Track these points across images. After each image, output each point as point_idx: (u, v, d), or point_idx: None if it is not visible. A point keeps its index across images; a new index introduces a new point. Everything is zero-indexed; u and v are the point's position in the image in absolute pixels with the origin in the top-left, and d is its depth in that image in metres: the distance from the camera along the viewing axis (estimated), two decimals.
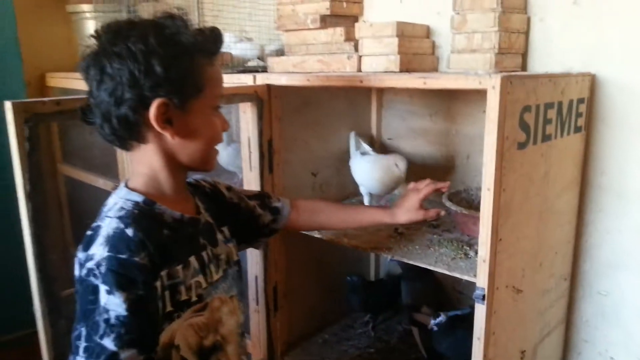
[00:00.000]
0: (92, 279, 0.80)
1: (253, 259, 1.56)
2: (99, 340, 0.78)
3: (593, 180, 1.43)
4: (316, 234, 1.44)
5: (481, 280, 1.07)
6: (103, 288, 0.79)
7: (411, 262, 1.25)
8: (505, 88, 1.00)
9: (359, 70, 1.50)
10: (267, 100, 1.43)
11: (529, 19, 1.45)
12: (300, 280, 1.67)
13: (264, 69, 1.75)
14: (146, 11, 1.96)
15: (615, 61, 1.35)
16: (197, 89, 0.88)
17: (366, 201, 1.62)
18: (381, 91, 1.83)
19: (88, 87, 0.87)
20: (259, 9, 1.92)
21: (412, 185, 1.24)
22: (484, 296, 1.07)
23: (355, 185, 1.83)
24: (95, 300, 0.79)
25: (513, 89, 1.02)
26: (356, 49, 1.53)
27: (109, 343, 0.79)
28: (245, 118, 1.45)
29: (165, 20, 0.87)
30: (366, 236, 1.41)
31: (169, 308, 0.88)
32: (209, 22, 1.93)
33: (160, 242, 0.88)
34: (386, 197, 1.67)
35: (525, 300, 1.24)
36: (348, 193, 1.81)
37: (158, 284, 0.86)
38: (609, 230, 1.43)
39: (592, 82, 1.38)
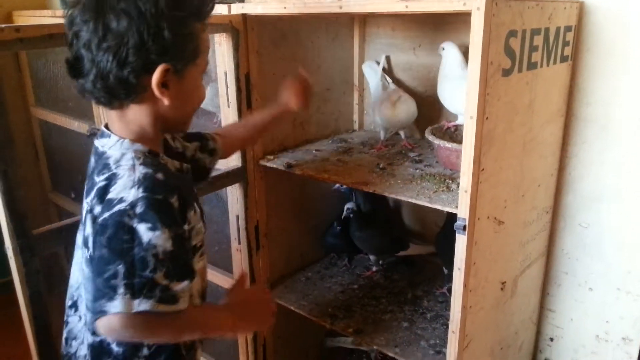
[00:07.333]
0: (125, 219, 0.79)
1: (233, 198, 1.54)
2: (149, 275, 0.78)
3: (578, 111, 1.40)
4: (296, 171, 1.41)
5: (462, 211, 1.06)
6: (143, 226, 0.79)
7: (392, 196, 1.23)
8: (490, 10, 0.95)
9: None
10: (243, 32, 1.37)
11: None
12: (281, 219, 1.66)
13: (241, 0, 1.67)
14: None
15: None
16: (195, 55, 0.88)
17: (383, 136, 1.61)
18: (364, 23, 1.76)
19: (81, 38, 0.82)
20: None
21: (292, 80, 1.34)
22: (464, 227, 1.06)
23: (336, 123, 1.80)
24: (133, 239, 0.79)
25: (498, 11, 0.97)
26: None
27: (160, 277, 0.79)
28: (221, 51, 1.39)
29: None
30: (348, 172, 1.38)
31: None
32: None
33: (179, 188, 0.88)
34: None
35: (507, 232, 1.23)
36: (329, 132, 1.78)
37: (186, 227, 0.87)
38: (592, 162, 1.42)
39: (581, 10, 1.33)
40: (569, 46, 1.31)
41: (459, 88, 1.37)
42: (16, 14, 2.32)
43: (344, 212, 1.67)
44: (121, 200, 0.80)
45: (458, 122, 1.46)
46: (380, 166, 1.41)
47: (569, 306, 1.57)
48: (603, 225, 1.44)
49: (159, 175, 0.85)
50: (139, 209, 0.79)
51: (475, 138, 1.01)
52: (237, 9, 1.36)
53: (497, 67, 1.02)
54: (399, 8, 1.07)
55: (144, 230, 0.78)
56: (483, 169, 1.06)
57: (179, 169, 0.98)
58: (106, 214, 0.80)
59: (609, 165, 1.39)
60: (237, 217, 1.54)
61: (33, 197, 2.51)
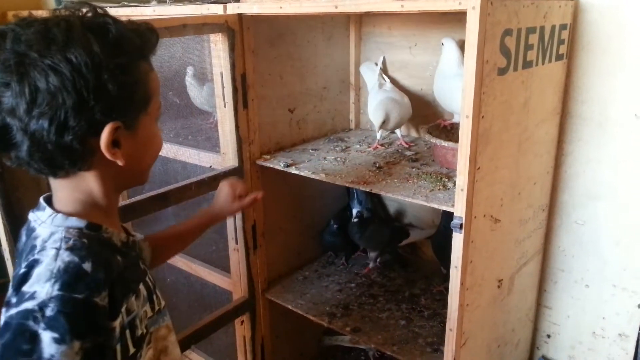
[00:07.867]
0: (29, 323, 0.64)
1: None
2: None
3: (573, 109, 1.41)
4: (293, 170, 1.41)
5: (459, 210, 1.06)
6: (48, 335, 0.63)
7: (389, 195, 1.23)
8: (485, 9, 0.95)
9: None
10: (239, 31, 1.37)
11: None
12: (278, 218, 1.66)
13: (236, 0, 1.67)
14: None
15: None
16: (145, 103, 0.76)
17: (379, 135, 1.60)
18: (360, 23, 1.76)
19: (3, 105, 0.66)
20: None
21: (228, 180, 1.21)
22: (461, 225, 1.06)
23: (333, 122, 1.80)
24: (33, 350, 0.63)
25: (494, 11, 0.98)
26: None
27: None
28: (217, 51, 1.39)
29: (102, 21, 0.70)
30: (344, 171, 1.38)
31: (132, 350, 0.75)
32: None
33: (119, 273, 0.74)
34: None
35: (503, 230, 1.24)
36: (326, 130, 1.78)
37: (118, 322, 0.72)
38: (588, 160, 1.42)
39: (576, 8, 1.33)
40: (564, 44, 1.31)
41: (455, 86, 1.37)
42: (11, 14, 2.31)
43: (353, 217, 1.67)
44: (32, 297, 0.65)
45: (454, 120, 1.47)
46: (377, 165, 1.41)
47: (566, 303, 1.57)
48: (599, 223, 1.45)
49: (86, 266, 0.69)
50: (48, 312, 0.64)
51: (471, 137, 1.01)
52: (232, 8, 1.36)
53: (492, 66, 1.02)
54: (395, 7, 1.07)
55: (47, 342, 0.63)
56: (479, 168, 1.06)
57: (125, 242, 0.82)
58: (13, 311, 0.66)
59: (605, 162, 1.40)
60: (234, 216, 1.54)
61: (29, 199, 2.50)
